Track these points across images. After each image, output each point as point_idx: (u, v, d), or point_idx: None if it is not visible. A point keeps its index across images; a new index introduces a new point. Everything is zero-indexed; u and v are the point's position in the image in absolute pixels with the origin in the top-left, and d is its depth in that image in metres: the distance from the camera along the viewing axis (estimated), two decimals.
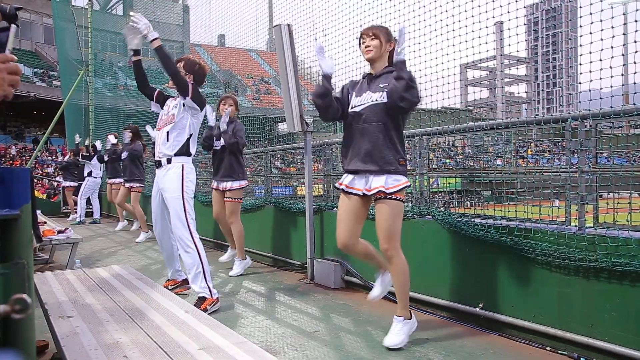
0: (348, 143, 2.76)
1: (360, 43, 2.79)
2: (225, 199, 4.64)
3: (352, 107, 2.76)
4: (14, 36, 1.35)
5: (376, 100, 2.65)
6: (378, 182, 2.62)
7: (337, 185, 2.86)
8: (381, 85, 2.66)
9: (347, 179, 2.78)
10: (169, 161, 3.45)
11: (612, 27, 2.48)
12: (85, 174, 9.84)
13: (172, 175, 3.43)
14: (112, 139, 8.44)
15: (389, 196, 2.59)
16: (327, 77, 2.75)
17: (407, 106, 2.56)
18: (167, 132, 3.45)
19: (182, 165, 3.45)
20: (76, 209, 10.73)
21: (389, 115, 2.63)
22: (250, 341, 1.63)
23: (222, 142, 4.57)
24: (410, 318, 2.72)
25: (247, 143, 4.83)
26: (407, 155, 3.56)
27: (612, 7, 2.50)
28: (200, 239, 3.47)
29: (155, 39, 3.34)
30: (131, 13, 3.43)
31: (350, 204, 2.75)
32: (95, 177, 9.83)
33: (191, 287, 3.46)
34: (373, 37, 2.71)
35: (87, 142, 10.54)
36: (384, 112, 2.63)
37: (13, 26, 1.36)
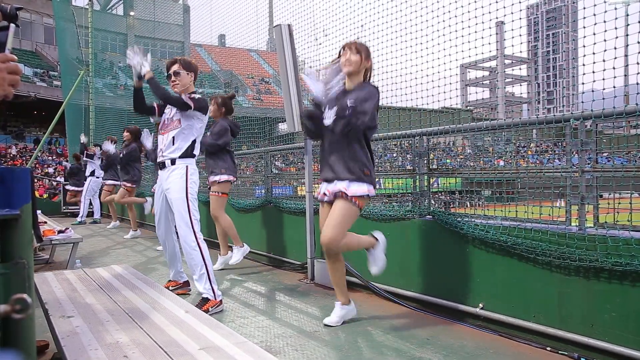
0: (322, 153, 2.97)
1: (339, 54, 2.90)
2: (211, 193, 4.66)
3: (324, 119, 2.91)
4: (13, 36, 1.34)
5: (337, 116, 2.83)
6: (341, 185, 2.82)
7: (315, 195, 3.13)
8: (348, 103, 2.78)
9: (321, 188, 2.98)
10: (172, 162, 3.46)
11: (616, 28, 2.48)
12: (88, 174, 9.91)
13: (176, 176, 3.44)
14: (109, 146, 8.42)
15: (347, 197, 2.77)
16: (316, 103, 2.87)
17: (356, 127, 2.73)
18: (173, 137, 3.46)
19: (186, 167, 3.46)
20: (76, 210, 10.87)
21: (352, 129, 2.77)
22: (250, 341, 1.63)
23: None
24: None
25: (233, 133, 4.75)
26: (407, 155, 3.55)
27: (615, 9, 2.50)
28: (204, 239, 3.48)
29: (147, 72, 3.40)
30: (127, 51, 3.45)
31: (326, 211, 2.95)
32: (98, 177, 9.94)
33: (196, 287, 3.46)
34: (356, 51, 2.84)
35: (84, 140, 10.57)
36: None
37: (12, 25, 1.35)
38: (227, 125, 4.64)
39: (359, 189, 2.78)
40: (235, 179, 4.75)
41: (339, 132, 2.80)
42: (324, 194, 2.93)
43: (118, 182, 8.37)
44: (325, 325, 3.02)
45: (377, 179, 3.13)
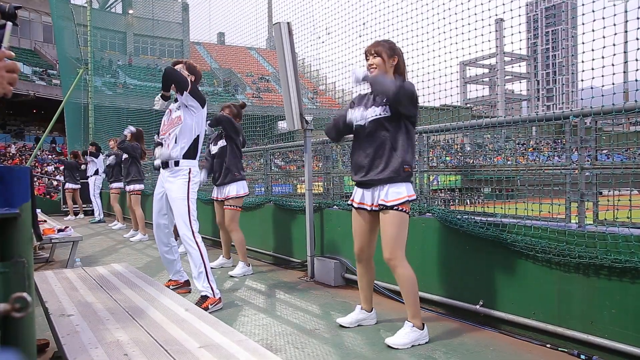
0: (355, 155, 2.85)
1: (366, 59, 2.85)
2: (225, 206, 4.67)
3: (357, 121, 2.83)
4: (9, 34, 1.34)
5: (380, 114, 2.74)
6: (381, 195, 2.71)
7: (349, 202, 2.98)
8: (384, 100, 2.72)
9: (357, 195, 2.88)
10: (176, 164, 3.48)
11: (614, 25, 2.47)
12: (92, 173, 10.01)
13: (178, 177, 3.47)
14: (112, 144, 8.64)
15: (391, 207, 2.67)
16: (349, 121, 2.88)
17: (403, 100, 2.61)
18: (176, 135, 3.47)
19: (190, 169, 3.49)
20: (75, 208, 10.96)
21: (393, 127, 2.70)
22: (250, 339, 1.63)
23: (218, 145, 4.61)
24: (422, 329, 2.70)
25: (246, 141, 4.87)
26: None
27: (614, 5, 2.49)
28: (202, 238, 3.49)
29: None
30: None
31: (361, 218, 2.87)
32: (102, 175, 10.07)
33: (195, 285, 3.47)
34: (375, 54, 2.77)
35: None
36: (387, 124, 2.71)
37: (9, 23, 1.35)
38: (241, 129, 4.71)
39: (398, 195, 2.65)
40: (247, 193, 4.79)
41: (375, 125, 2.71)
42: (361, 202, 2.82)
43: (122, 185, 8.34)
44: (340, 325, 2.98)
45: None
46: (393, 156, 2.68)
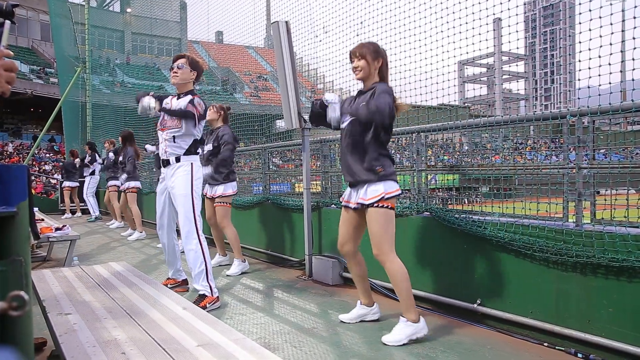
0: (341, 157, 2.98)
1: (351, 61, 2.89)
2: (215, 204, 4.68)
3: (342, 124, 2.92)
4: (7, 32, 1.33)
5: (349, 118, 2.82)
6: (360, 194, 2.80)
7: (340, 199, 3.07)
8: (361, 104, 2.77)
9: (346, 193, 2.98)
10: (177, 160, 3.47)
11: (611, 24, 2.48)
12: (89, 173, 10.04)
13: (181, 173, 3.45)
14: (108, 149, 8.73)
15: (373, 205, 2.73)
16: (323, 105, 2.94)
17: (374, 120, 2.67)
18: (174, 137, 3.46)
19: (192, 164, 3.48)
20: (72, 207, 10.98)
21: (366, 129, 2.75)
22: (248, 338, 1.63)
23: (209, 147, 4.61)
24: (417, 322, 2.69)
25: (237, 144, 4.86)
26: (405, 152, 3.54)
27: (611, 5, 2.50)
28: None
29: (154, 107, 3.42)
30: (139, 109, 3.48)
31: (347, 215, 2.96)
32: (98, 176, 10.16)
33: (193, 284, 3.47)
34: (360, 57, 2.80)
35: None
36: (360, 126, 2.77)
37: (7, 22, 1.34)
38: (231, 133, 4.69)
39: (375, 193, 2.71)
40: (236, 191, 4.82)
41: (355, 130, 2.79)
42: (347, 200, 2.91)
43: (119, 183, 8.34)
44: (341, 321, 3.02)
45: None
46: (366, 158, 2.75)
